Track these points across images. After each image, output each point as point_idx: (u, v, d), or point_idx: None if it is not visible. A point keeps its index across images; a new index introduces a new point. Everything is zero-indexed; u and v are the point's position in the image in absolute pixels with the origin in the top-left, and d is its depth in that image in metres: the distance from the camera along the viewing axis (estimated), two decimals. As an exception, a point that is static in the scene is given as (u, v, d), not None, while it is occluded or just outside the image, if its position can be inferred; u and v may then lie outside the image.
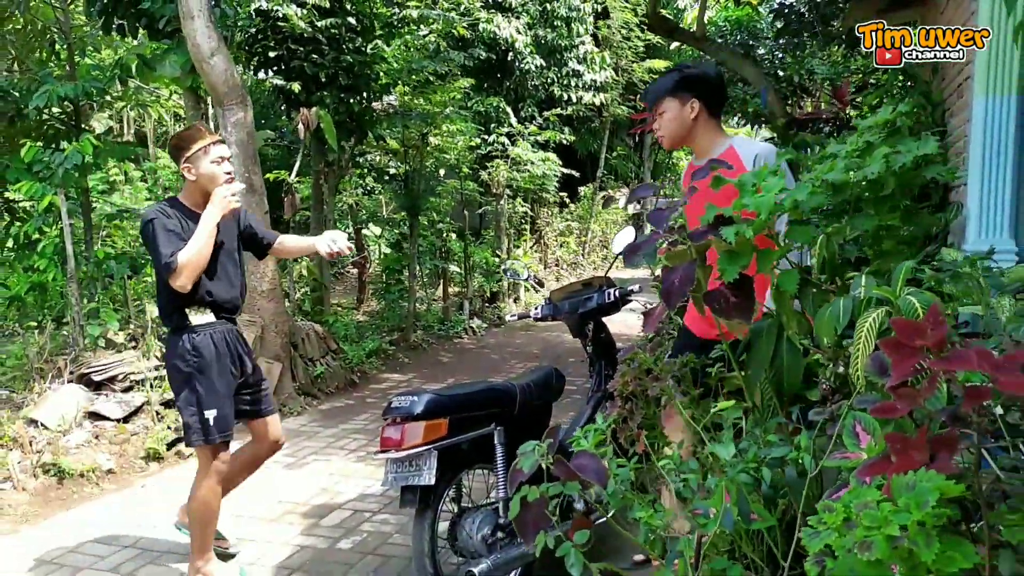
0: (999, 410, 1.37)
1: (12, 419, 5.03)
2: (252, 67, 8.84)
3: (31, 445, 4.89)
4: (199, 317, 3.24)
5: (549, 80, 14.04)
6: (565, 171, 13.01)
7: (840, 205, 1.94)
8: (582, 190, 16.61)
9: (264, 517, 4.26)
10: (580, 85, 14.45)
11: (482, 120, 11.99)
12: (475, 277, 11.44)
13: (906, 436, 1.25)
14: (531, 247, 13.61)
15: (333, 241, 3.40)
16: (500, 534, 2.93)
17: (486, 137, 11.77)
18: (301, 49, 8.15)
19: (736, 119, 13.16)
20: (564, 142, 13.24)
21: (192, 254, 3.04)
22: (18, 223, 7.46)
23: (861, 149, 1.88)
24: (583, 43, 14.41)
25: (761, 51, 10.99)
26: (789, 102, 11.26)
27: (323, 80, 8.27)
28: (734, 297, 1.95)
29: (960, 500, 1.37)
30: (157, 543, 3.93)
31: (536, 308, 3.79)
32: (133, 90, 9.75)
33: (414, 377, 8.02)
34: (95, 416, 5.35)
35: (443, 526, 3.04)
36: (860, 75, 9.97)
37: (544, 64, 13.54)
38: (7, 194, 8.01)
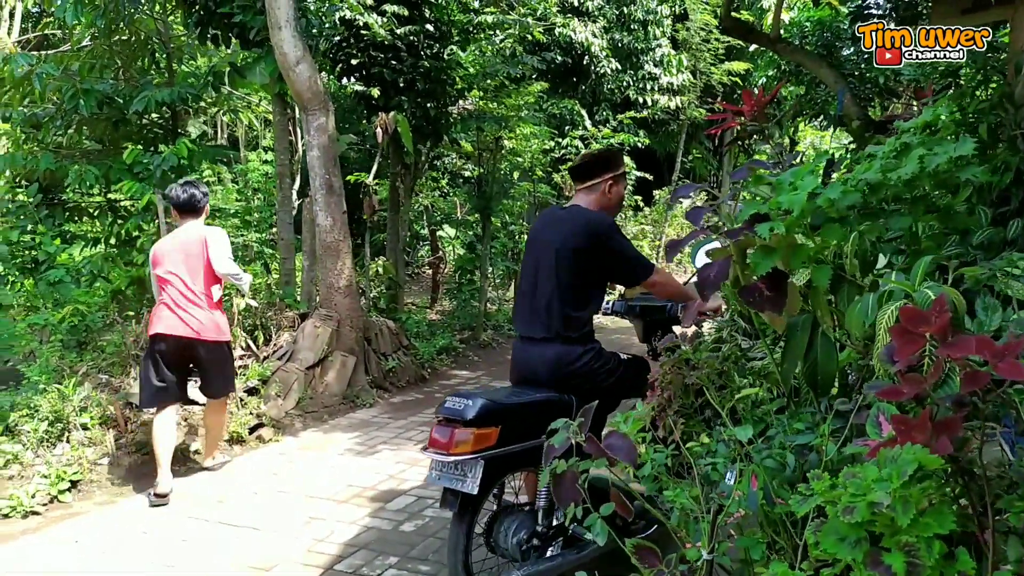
0: None
1: (110, 401, 5.46)
2: (336, 74, 9.23)
3: (127, 425, 5.30)
4: None
5: (625, 83, 14.07)
6: (639, 174, 13.00)
7: (877, 204, 1.99)
8: (657, 193, 16.53)
9: (335, 499, 4.51)
10: (656, 88, 14.42)
11: (556, 123, 12.13)
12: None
13: (909, 418, 1.32)
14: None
15: None
16: (535, 540, 2.85)
17: (560, 140, 11.90)
18: (381, 56, 8.47)
19: (818, 121, 12.88)
20: (640, 145, 13.24)
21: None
22: (120, 221, 8.06)
23: (898, 150, 1.92)
24: (660, 46, 14.39)
25: (846, 52, 10.73)
26: (873, 104, 10.95)
27: (401, 85, 8.57)
28: (768, 291, 2.02)
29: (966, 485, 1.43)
30: (238, 517, 4.21)
31: (608, 303, 3.64)
32: (225, 96, 10.32)
33: (482, 375, 8.22)
34: (184, 400, 5.73)
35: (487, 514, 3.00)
36: (948, 76, 9.63)
37: (620, 67, 13.58)
38: (110, 194, 8.65)
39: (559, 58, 12.13)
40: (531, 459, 2.92)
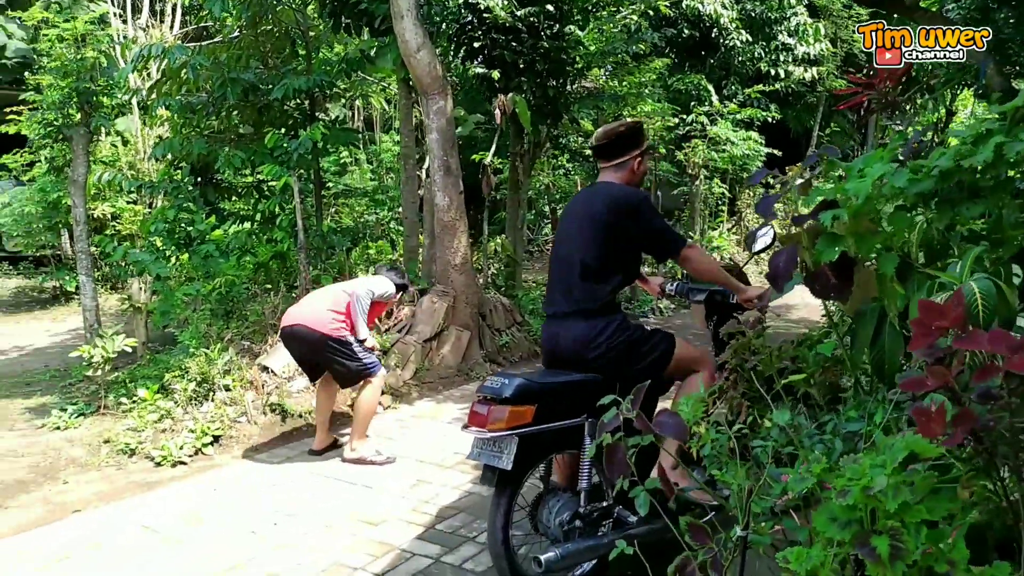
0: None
1: (249, 366, 6.02)
2: (460, 57, 9.49)
3: (263, 388, 5.84)
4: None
5: (756, 55, 13.53)
6: (767, 151, 12.53)
7: (952, 191, 1.93)
8: (789, 172, 15.84)
9: (441, 464, 4.80)
10: (791, 59, 13.77)
11: (683, 99, 11.88)
12: (667, 258, 11.44)
13: (930, 410, 1.34)
14: (729, 229, 13.29)
15: None
16: (578, 522, 2.88)
17: (684, 117, 11.66)
18: (502, 38, 8.63)
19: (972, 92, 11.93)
20: (770, 120, 12.73)
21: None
22: (264, 200, 8.74)
23: (977, 136, 1.86)
24: (796, 14, 13.70)
25: (1001, 17, 9.85)
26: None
27: (521, 66, 8.70)
28: (835, 278, 2.03)
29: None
30: (355, 476, 4.59)
31: (671, 283, 3.62)
32: (359, 81, 10.85)
33: (596, 352, 8.30)
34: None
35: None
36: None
37: (751, 39, 13.08)
38: (258, 175, 9.38)
39: (686, 32, 11.83)
40: (571, 440, 2.97)
